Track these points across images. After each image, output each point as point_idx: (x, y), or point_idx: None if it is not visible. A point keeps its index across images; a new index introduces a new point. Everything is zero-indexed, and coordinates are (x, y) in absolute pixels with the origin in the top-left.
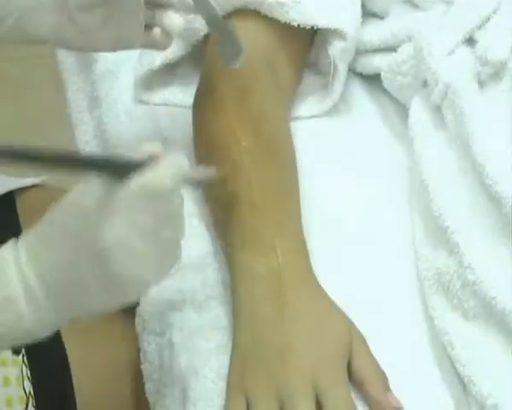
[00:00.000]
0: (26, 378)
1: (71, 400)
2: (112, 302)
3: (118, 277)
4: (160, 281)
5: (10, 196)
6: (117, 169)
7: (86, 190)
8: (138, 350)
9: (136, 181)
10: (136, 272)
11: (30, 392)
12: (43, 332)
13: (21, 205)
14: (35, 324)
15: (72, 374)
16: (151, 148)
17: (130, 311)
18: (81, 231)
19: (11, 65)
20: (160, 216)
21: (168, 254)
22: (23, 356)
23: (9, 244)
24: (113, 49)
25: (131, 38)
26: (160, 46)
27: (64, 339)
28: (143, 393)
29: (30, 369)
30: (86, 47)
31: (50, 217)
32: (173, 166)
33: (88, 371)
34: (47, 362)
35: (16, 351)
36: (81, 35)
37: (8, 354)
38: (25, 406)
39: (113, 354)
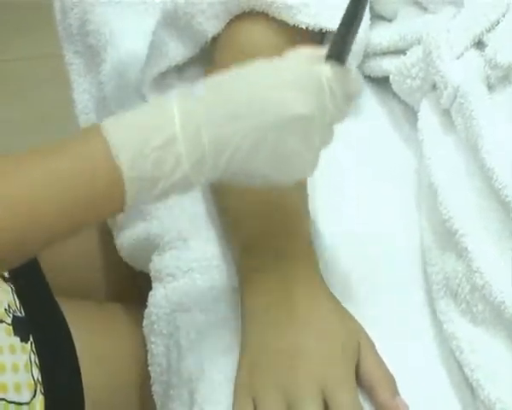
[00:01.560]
0: (34, 365)
1: (78, 387)
2: (273, 177)
3: (289, 150)
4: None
5: None
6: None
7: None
8: (145, 349)
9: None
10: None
11: (38, 379)
12: (198, 182)
13: None
14: (193, 171)
15: (80, 363)
16: None
17: (136, 310)
18: (271, 93)
19: (15, 65)
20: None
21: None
22: (31, 344)
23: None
24: None
25: None
26: None
27: (71, 329)
28: (149, 388)
29: (38, 356)
30: None
31: (234, 73)
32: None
33: (95, 361)
34: (55, 350)
35: (24, 338)
36: None
37: (16, 341)
38: (33, 392)
39: (120, 347)
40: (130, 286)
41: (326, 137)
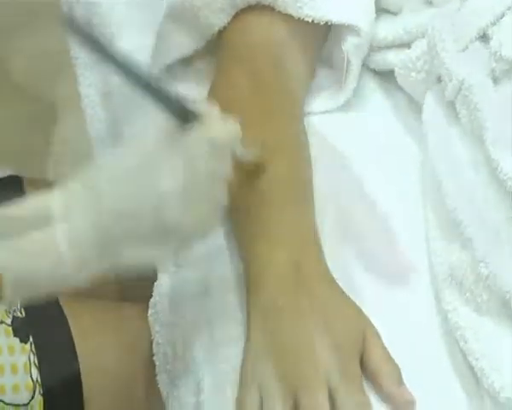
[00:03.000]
0: (33, 366)
1: (78, 388)
2: (155, 254)
3: (170, 224)
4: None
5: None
6: (181, 113)
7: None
8: (150, 346)
9: (202, 130)
10: (188, 223)
11: (37, 380)
12: (81, 279)
13: (29, 185)
14: (75, 271)
15: (80, 364)
16: (206, 106)
17: (140, 307)
18: (143, 172)
19: (15, 62)
20: (215, 175)
21: (212, 214)
22: (31, 344)
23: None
24: None
25: None
26: None
27: (72, 329)
28: (155, 387)
29: (37, 357)
30: None
31: (109, 160)
32: (230, 126)
33: (95, 360)
34: (54, 350)
35: (24, 339)
36: None
37: (16, 341)
38: (32, 393)
39: (122, 346)
40: (133, 284)
41: (217, 195)
